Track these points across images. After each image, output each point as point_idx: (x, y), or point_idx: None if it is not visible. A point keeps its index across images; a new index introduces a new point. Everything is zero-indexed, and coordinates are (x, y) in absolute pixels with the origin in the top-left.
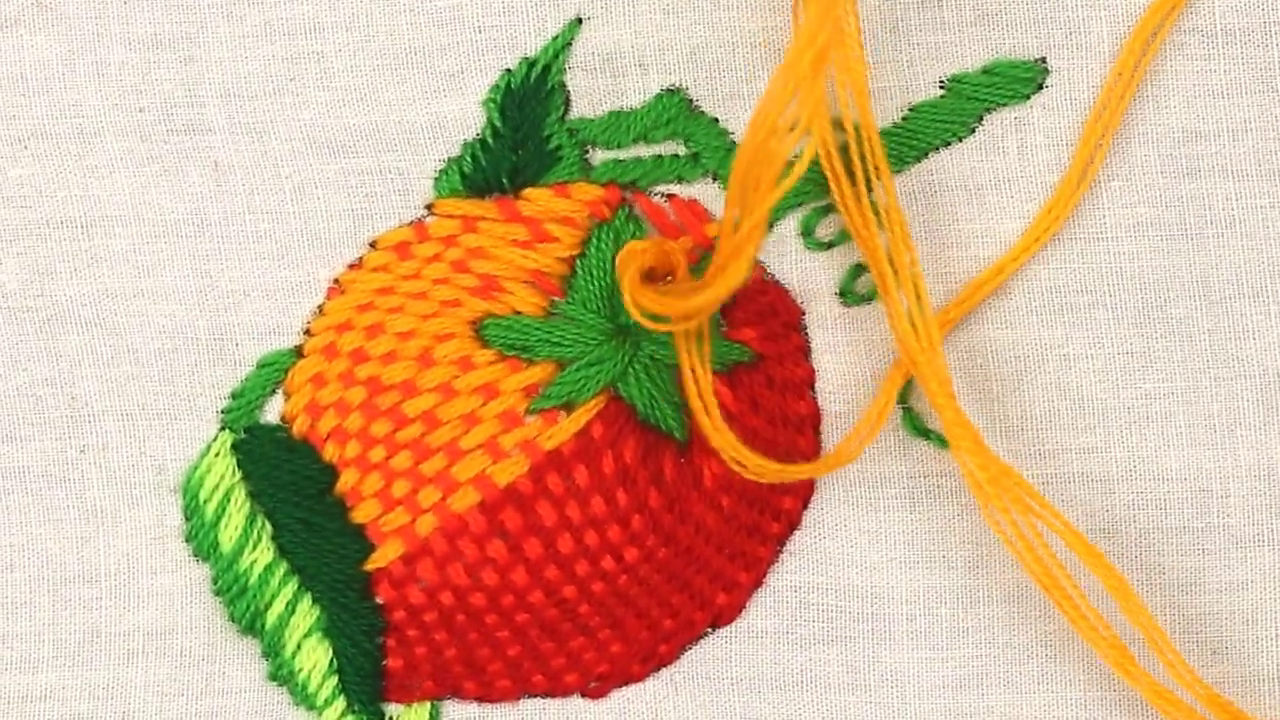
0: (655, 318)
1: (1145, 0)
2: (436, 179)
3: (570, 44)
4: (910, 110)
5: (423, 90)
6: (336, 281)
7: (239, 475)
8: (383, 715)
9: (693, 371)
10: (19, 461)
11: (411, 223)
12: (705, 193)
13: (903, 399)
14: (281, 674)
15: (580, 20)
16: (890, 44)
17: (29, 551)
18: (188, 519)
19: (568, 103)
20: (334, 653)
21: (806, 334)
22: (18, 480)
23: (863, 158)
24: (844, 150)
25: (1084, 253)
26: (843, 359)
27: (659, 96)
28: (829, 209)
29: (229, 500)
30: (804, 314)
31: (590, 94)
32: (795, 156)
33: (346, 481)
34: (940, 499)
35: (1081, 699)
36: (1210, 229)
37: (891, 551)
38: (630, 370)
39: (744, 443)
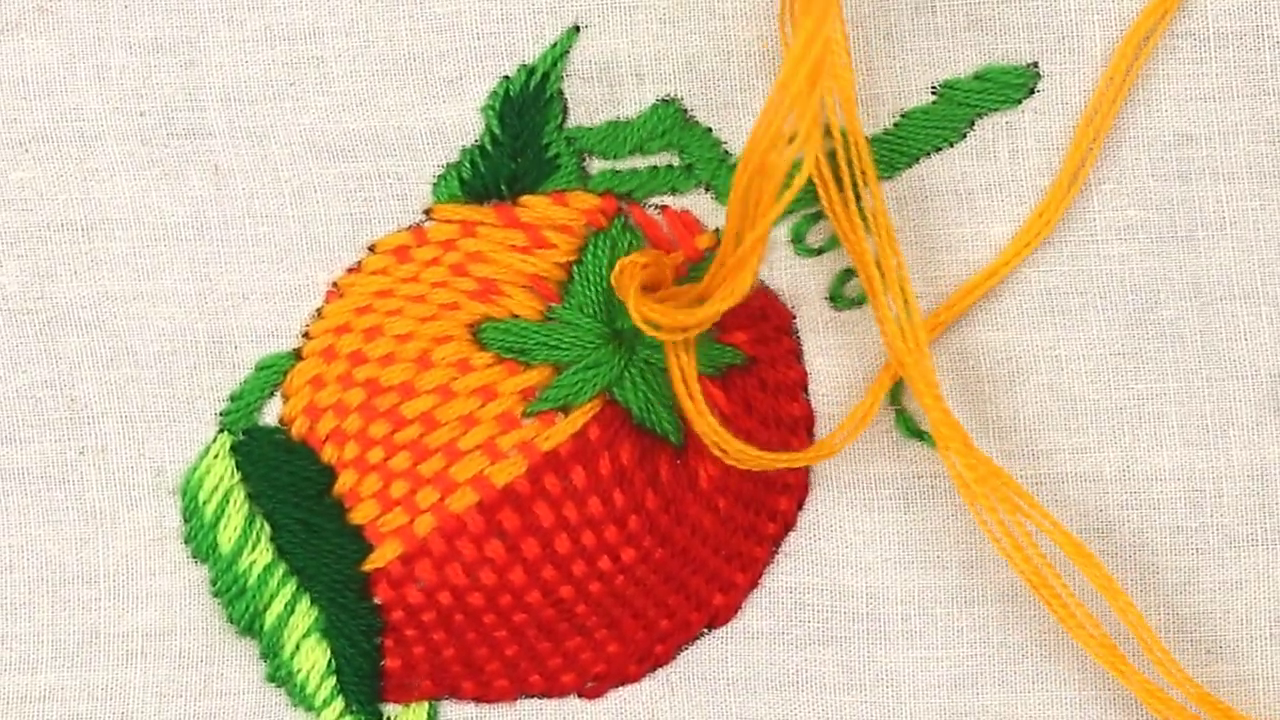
0: (656, 326)
1: (1138, 4)
2: (435, 184)
3: (568, 52)
4: (902, 116)
5: (422, 96)
6: (335, 285)
7: (238, 477)
8: (381, 715)
9: (677, 359)
10: (18, 463)
11: (410, 227)
12: (698, 203)
13: (896, 401)
14: (280, 675)
15: (578, 28)
16: (883, 50)
17: (28, 552)
18: (186, 520)
19: (565, 111)
20: (332, 653)
21: (798, 337)
22: (17, 481)
23: (850, 164)
24: (832, 157)
25: (1075, 255)
26: (835, 362)
27: (654, 107)
28: (819, 215)
29: (228, 502)
30: (795, 317)
31: (587, 102)
32: (795, 168)
33: (345, 482)
34: (934, 500)
35: (1076, 698)
36: (1201, 231)
37: (886, 552)
38: (626, 374)
39: None
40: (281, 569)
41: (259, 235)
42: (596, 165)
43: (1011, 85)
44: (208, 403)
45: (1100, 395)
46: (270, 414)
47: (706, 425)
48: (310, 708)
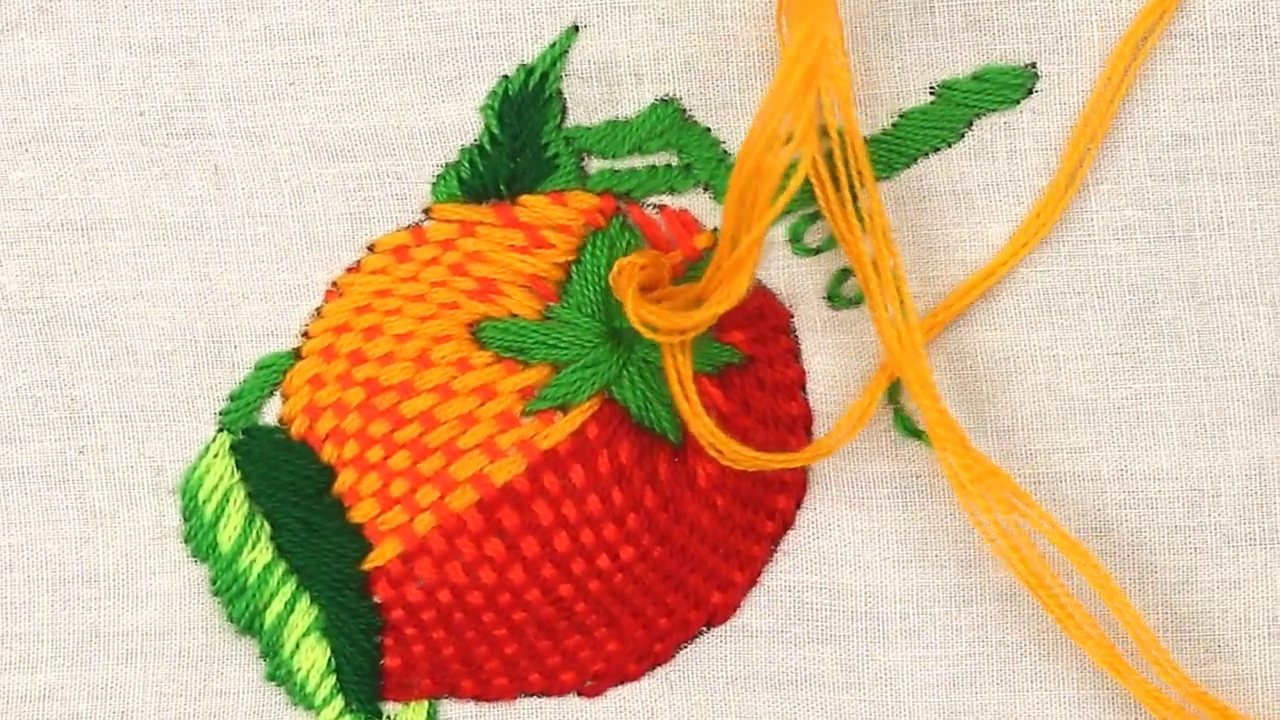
0: (654, 329)
1: (1136, 5)
2: (434, 184)
3: (567, 52)
4: (900, 116)
5: (421, 96)
6: (334, 284)
7: (237, 476)
8: (380, 714)
9: (674, 360)
10: (18, 462)
11: (409, 227)
12: (696, 203)
13: (894, 400)
14: (280, 674)
15: (577, 28)
16: (882, 51)
17: (28, 552)
18: (186, 520)
19: (564, 110)
20: (332, 652)
21: (796, 336)
22: (17, 481)
23: (846, 164)
24: (829, 157)
25: (1073, 255)
26: (833, 361)
27: (653, 107)
28: (816, 216)
29: (228, 501)
30: (793, 316)
31: (586, 102)
32: (791, 169)
33: (344, 481)
34: (933, 498)
35: (1075, 697)
36: (1199, 231)
37: (885, 551)
38: (625, 373)
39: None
40: (281, 568)
41: (259, 235)
42: (595, 165)
43: (1009, 86)
44: (207, 402)
45: (1098, 395)
46: (270, 413)
47: (702, 426)
48: (310, 706)
